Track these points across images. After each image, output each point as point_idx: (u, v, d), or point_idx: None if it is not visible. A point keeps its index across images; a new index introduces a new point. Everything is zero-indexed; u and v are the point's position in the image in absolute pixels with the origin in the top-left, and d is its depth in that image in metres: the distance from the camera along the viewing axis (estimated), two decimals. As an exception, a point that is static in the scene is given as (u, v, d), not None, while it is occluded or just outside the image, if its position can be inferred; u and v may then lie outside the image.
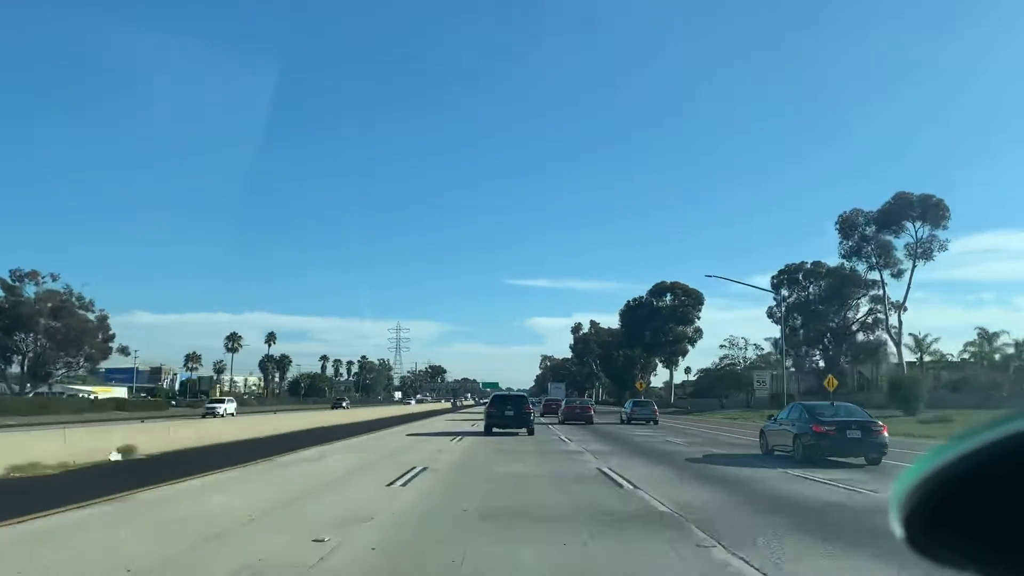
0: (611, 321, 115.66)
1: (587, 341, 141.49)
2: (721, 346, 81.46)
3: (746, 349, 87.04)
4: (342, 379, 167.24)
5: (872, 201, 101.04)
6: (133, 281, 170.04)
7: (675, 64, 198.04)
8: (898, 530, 1.02)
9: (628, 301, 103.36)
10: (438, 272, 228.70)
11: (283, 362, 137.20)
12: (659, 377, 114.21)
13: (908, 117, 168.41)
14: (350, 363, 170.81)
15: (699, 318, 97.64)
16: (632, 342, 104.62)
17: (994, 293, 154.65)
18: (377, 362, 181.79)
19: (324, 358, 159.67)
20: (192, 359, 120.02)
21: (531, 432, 28.02)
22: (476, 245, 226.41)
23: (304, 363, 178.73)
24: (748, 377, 75.58)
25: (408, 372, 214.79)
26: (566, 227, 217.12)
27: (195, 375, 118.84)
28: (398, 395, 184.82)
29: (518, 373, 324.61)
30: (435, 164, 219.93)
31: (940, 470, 0.95)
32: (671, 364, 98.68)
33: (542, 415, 50.32)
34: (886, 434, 17.13)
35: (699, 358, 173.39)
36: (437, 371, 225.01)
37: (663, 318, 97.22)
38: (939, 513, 0.98)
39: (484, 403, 45.38)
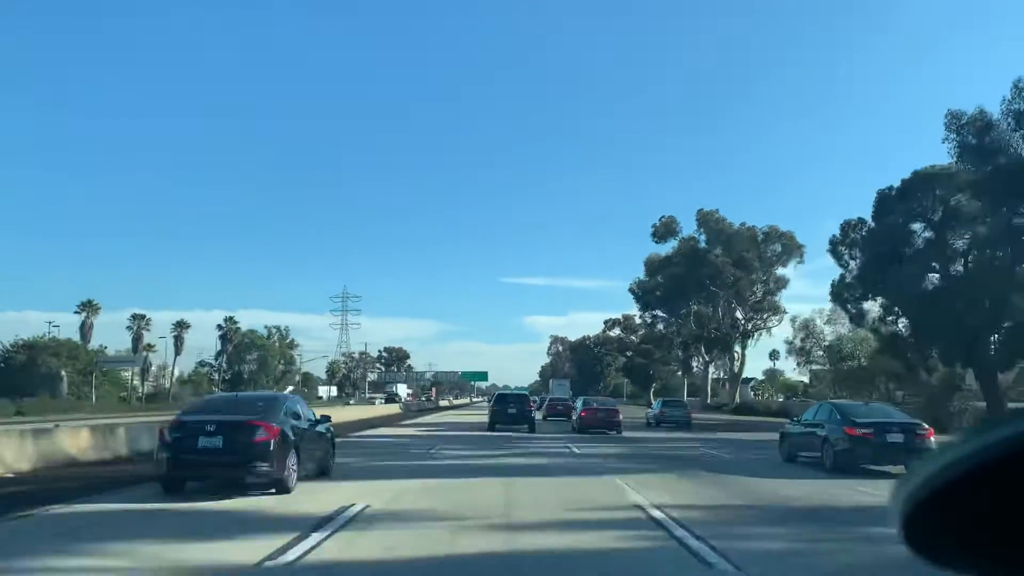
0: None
1: (701, 258, 55.81)
2: None
3: None
4: (149, 355, 77.82)
5: None
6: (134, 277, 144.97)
7: (673, 54, 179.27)
8: (898, 530, 0.99)
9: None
10: (435, 269, 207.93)
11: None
12: None
13: None
14: (182, 325, 79.64)
15: None
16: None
17: None
18: (266, 332, 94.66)
19: (88, 304, 68.00)
20: None
21: (532, 429, 27.81)
22: (472, 243, 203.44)
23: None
24: None
25: (343, 356, 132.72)
26: (564, 224, 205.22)
27: None
28: (330, 391, 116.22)
29: (517, 371, 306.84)
30: (432, 163, 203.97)
31: (941, 471, 0.92)
32: None
33: (545, 418, 39.48)
34: (932, 439, 15.00)
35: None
36: (397, 356, 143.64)
37: None
38: (939, 514, 0.94)
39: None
